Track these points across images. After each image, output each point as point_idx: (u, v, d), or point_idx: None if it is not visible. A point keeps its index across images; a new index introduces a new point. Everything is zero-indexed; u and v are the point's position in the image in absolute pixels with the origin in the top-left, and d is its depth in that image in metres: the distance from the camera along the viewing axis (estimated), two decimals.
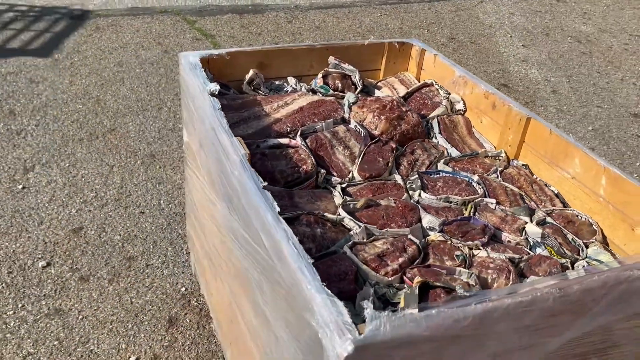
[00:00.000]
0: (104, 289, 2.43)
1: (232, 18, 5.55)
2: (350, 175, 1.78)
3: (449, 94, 2.20)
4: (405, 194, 1.69)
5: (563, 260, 1.48)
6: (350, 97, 2.08)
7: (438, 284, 1.27)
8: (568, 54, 5.49)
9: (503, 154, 1.94)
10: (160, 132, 3.58)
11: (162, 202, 2.98)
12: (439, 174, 1.83)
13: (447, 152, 1.95)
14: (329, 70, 2.25)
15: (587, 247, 1.56)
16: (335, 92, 2.19)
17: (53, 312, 2.30)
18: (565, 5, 6.95)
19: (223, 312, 1.97)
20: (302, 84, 2.25)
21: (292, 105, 2.00)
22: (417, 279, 1.30)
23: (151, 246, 2.68)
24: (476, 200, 1.70)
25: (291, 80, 2.25)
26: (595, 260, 1.50)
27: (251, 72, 2.13)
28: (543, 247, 1.54)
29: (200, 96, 1.82)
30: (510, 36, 5.78)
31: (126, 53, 4.58)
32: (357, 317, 1.07)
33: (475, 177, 1.79)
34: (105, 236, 2.71)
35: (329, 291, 1.09)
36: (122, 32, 4.95)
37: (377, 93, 2.30)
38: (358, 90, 2.23)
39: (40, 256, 2.56)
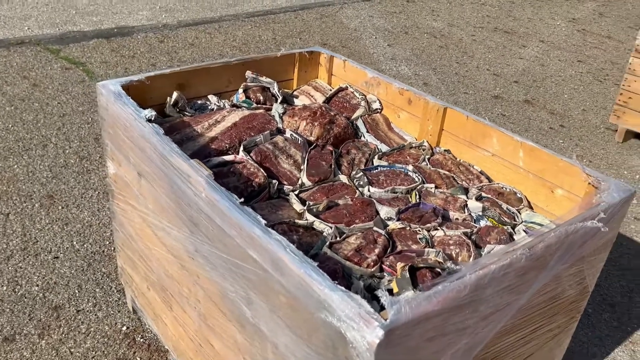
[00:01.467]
0: (35, 345, 2.23)
1: (99, 43, 5.29)
2: (299, 182, 1.85)
3: (364, 95, 2.35)
4: (358, 192, 1.80)
5: (505, 227, 1.69)
6: (278, 108, 2.14)
7: (422, 265, 1.39)
8: (428, 48, 6.01)
9: (426, 143, 2.12)
10: (53, 171, 3.34)
11: (75, 243, 2.79)
12: (377, 168, 1.96)
13: (378, 148, 2.10)
14: (248, 84, 2.29)
15: (519, 213, 1.78)
16: (259, 105, 2.24)
17: None
18: (414, 5, 7.57)
19: (186, 339, 1.92)
20: (223, 101, 2.26)
21: (224, 122, 2.02)
22: (400, 264, 1.41)
23: (76, 291, 2.51)
24: (418, 188, 1.85)
25: (212, 99, 2.25)
26: (531, 222, 1.73)
27: (175, 94, 2.10)
28: (486, 219, 1.73)
29: (135, 124, 1.77)
30: (375, 37, 6.18)
31: None
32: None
33: (410, 167, 1.96)
34: (21, 289, 2.49)
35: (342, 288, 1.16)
36: None
37: (296, 102, 2.39)
38: (279, 100, 2.29)
39: None
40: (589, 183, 1.66)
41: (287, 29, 6.20)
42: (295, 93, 2.45)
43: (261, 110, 2.10)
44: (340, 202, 1.72)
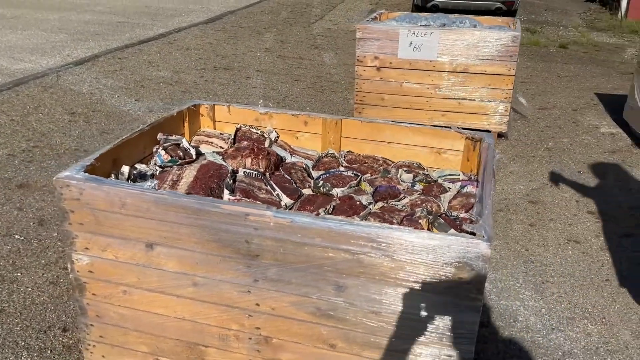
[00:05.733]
0: None
1: None
2: (283, 203, 2.17)
3: (260, 129, 2.73)
4: (335, 194, 2.23)
5: (434, 183, 2.37)
6: (215, 155, 2.37)
7: (440, 212, 1.95)
8: (174, 95, 6.35)
9: (332, 151, 2.65)
10: None
11: None
12: (321, 177, 2.41)
13: (305, 164, 2.53)
14: (165, 145, 2.42)
15: (431, 174, 2.49)
16: (183, 160, 2.40)
17: None
18: (129, 61, 7.72)
19: None
20: (148, 167, 2.35)
21: (185, 179, 2.16)
22: (423, 220, 1.94)
23: None
24: (362, 178, 2.39)
25: (141, 166, 2.31)
26: (445, 175, 2.45)
27: (126, 167, 2.13)
28: (417, 183, 2.39)
29: (144, 196, 1.83)
30: (118, 95, 6.21)
31: None
32: None
33: (341, 168, 2.47)
34: None
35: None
36: None
37: (204, 150, 2.60)
38: (193, 153, 2.49)
39: None
40: (467, 138, 2.47)
41: (18, 108, 5.70)
42: (192, 144, 2.65)
43: (208, 159, 2.30)
44: (334, 204, 2.13)
